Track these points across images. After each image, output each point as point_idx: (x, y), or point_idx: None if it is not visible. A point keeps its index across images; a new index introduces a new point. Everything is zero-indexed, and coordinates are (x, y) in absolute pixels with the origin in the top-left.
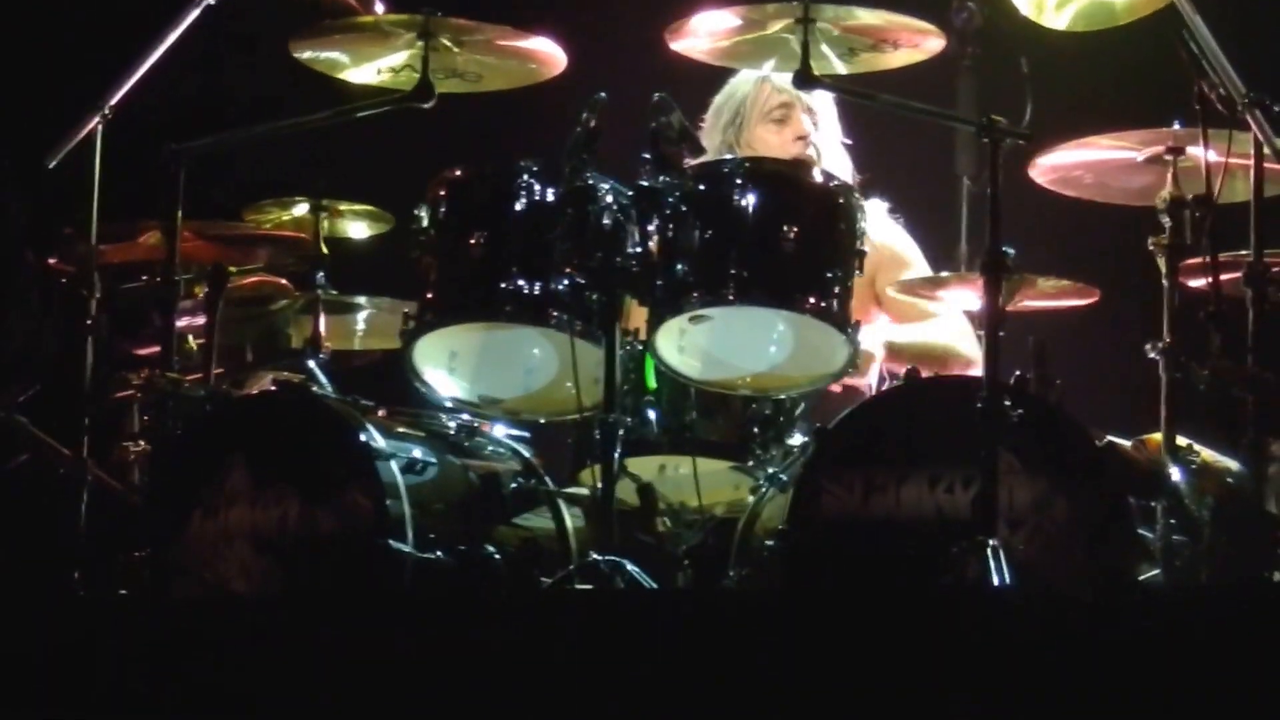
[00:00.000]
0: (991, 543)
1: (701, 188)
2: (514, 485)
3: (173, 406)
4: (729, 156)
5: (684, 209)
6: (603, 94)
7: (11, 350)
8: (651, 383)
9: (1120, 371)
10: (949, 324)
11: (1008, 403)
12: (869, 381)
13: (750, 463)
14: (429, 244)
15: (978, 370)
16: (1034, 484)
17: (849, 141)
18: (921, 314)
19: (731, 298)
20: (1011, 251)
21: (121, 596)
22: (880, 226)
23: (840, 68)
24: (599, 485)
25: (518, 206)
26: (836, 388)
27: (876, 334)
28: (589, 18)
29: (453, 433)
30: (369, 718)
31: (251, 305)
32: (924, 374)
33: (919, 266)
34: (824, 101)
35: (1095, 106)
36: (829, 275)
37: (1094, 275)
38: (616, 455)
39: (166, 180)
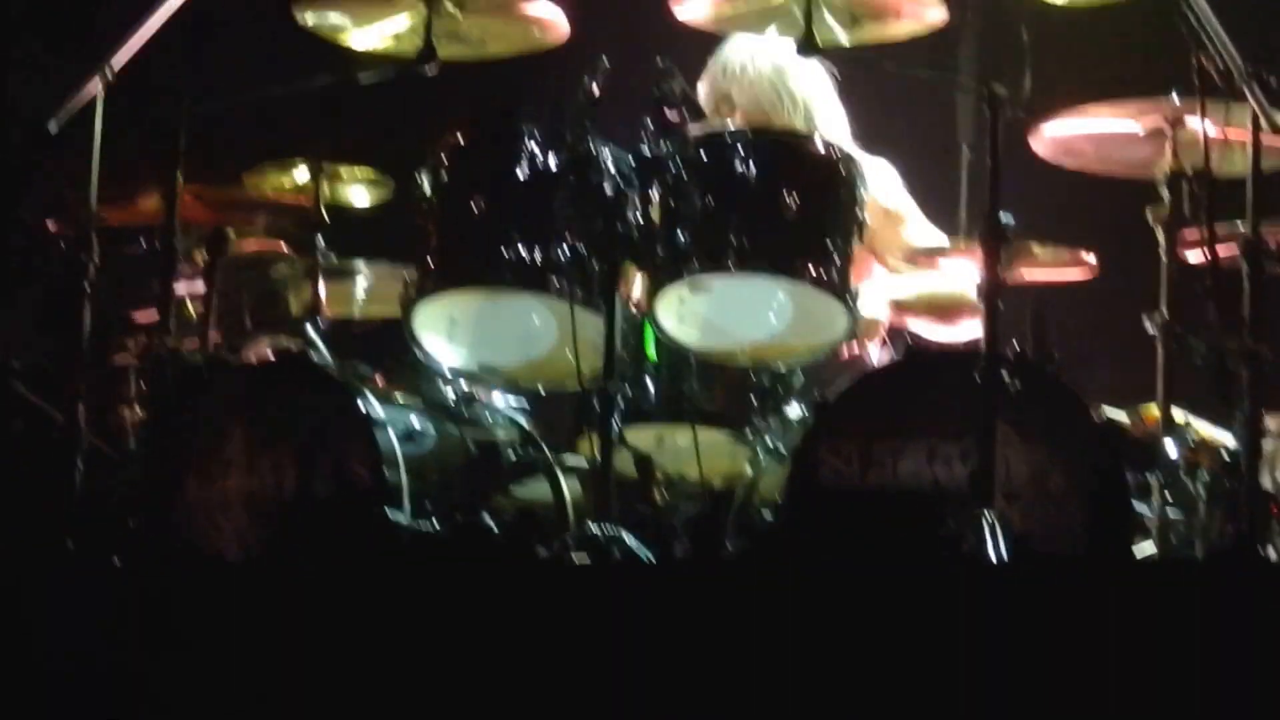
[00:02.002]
0: (988, 515)
1: (703, 155)
2: (512, 454)
3: (170, 372)
4: (731, 126)
5: (685, 176)
6: (605, 60)
7: (9, 314)
8: (651, 352)
9: (1118, 344)
10: (955, 270)
11: (1006, 374)
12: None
13: (749, 433)
14: (430, 210)
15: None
16: (1031, 456)
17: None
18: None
19: (732, 266)
20: (1011, 220)
21: (115, 563)
22: (891, 188)
23: (843, 36)
24: (597, 455)
25: (519, 172)
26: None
27: (880, 293)
28: None
29: (451, 401)
30: (364, 686)
31: (251, 270)
32: (930, 323)
33: (916, 225)
34: (816, 80)
35: (1095, 77)
36: (829, 244)
37: (1093, 246)
38: (615, 425)
39: (167, 143)
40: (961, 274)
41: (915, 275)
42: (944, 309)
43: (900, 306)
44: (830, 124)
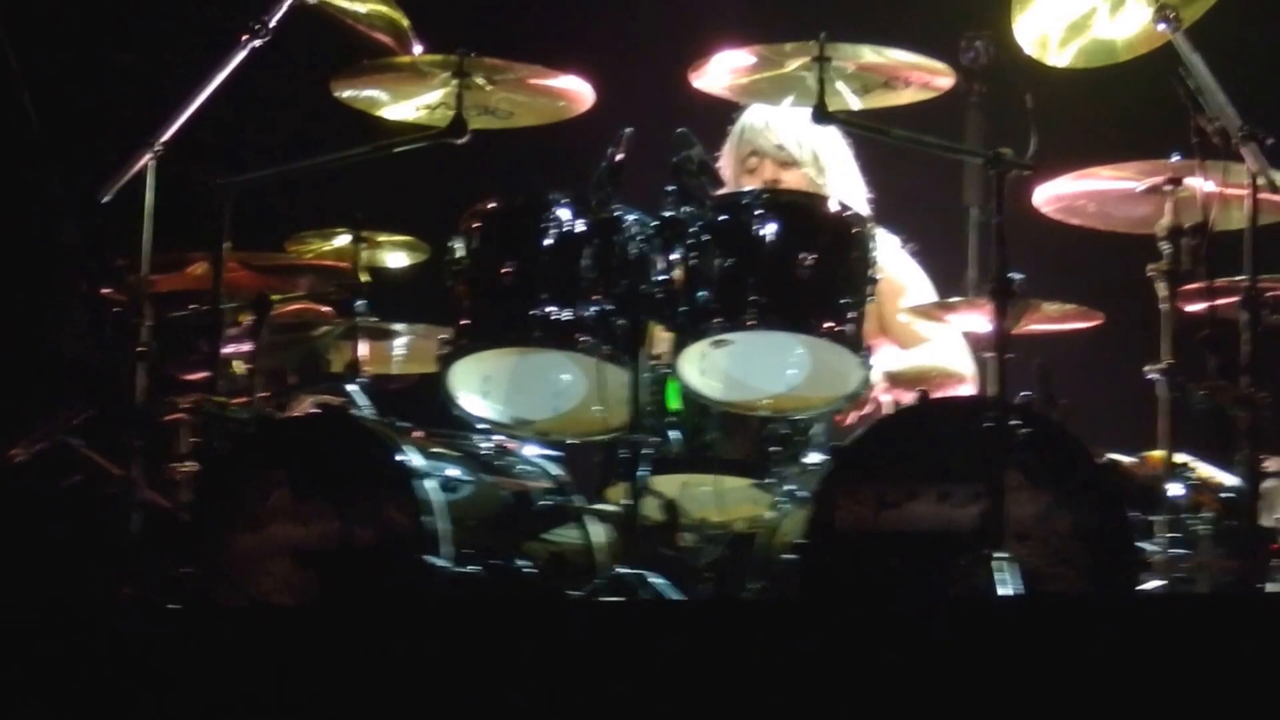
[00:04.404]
0: (998, 555)
1: (722, 218)
2: (544, 502)
3: (219, 428)
4: (748, 188)
5: (706, 238)
6: (628, 129)
7: (63, 374)
8: (675, 404)
9: (1121, 391)
10: (944, 345)
11: (1014, 422)
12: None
13: (769, 480)
14: (463, 273)
15: (972, 385)
16: (1039, 499)
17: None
18: (921, 338)
19: (751, 323)
20: (1018, 277)
21: (169, 609)
22: (891, 258)
23: (854, 103)
24: (625, 502)
25: (547, 237)
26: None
27: (876, 365)
28: (615, 57)
29: (486, 452)
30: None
31: (294, 331)
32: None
33: (917, 294)
34: (832, 143)
35: (1097, 140)
36: (843, 301)
37: (1097, 300)
38: (641, 473)
39: (213, 213)
40: (948, 347)
41: (909, 352)
42: (932, 381)
43: (893, 379)
44: (847, 184)
